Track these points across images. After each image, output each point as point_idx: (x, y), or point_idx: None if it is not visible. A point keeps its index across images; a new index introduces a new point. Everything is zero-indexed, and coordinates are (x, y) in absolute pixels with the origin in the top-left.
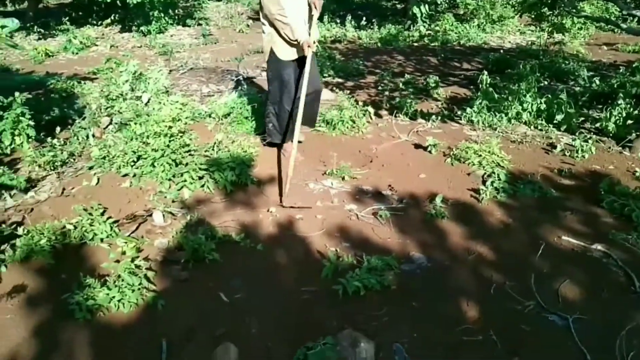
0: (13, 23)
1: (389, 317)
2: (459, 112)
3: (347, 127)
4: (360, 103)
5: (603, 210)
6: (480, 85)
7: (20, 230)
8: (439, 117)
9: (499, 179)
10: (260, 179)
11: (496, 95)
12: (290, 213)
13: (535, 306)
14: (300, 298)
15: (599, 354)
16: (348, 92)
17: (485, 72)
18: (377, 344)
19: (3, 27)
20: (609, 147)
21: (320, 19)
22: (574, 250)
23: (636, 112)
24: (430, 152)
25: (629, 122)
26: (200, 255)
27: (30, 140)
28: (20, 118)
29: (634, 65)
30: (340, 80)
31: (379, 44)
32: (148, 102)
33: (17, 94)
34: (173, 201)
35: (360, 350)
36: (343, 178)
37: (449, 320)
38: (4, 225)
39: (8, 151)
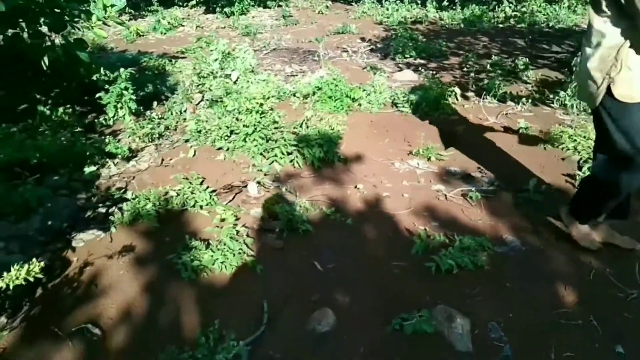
0: (120, 2)
1: (482, 296)
2: (551, 96)
3: (433, 108)
4: (446, 83)
5: None
6: (575, 68)
7: (129, 195)
8: (530, 100)
9: None
10: (346, 156)
11: None
12: (378, 190)
13: (638, 294)
14: (391, 272)
15: None
16: (431, 73)
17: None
18: (472, 321)
19: (112, 5)
20: None
21: None
22: None
23: None
24: (520, 135)
25: None
26: (294, 226)
27: (131, 113)
28: (124, 92)
29: None
30: (422, 61)
31: (461, 25)
32: (237, 80)
33: (122, 69)
34: (265, 174)
35: (456, 325)
36: (429, 158)
37: (545, 303)
38: (111, 190)
39: (111, 122)
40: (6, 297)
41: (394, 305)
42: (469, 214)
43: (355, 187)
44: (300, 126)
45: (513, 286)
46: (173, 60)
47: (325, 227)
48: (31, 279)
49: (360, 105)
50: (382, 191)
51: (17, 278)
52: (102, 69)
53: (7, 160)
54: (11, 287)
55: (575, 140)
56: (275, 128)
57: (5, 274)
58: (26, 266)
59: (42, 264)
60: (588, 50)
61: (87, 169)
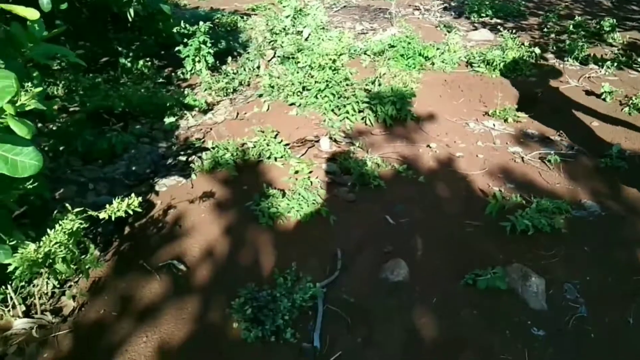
0: None
1: (559, 258)
2: (639, 60)
3: (510, 69)
4: (525, 44)
5: None
6: None
7: (209, 144)
8: (615, 64)
9: None
10: (419, 115)
11: None
12: (451, 150)
13: None
14: (464, 230)
15: None
16: (509, 33)
17: None
18: (547, 281)
19: None
20: None
21: None
22: None
23: None
24: (604, 99)
25: None
26: (366, 180)
27: (208, 67)
28: (202, 46)
29: None
30: (499, 20)
31: None
32: (308, 37)
33: (201, 23)
34: (337, 131)
35: (531, 284)
36: (506, 120)
37: (625, 268)
38: (190, 140)
39: (188, 76)
40: (97, 232)
41: (466, 261)
42: (547, 177)
43: (428, 146)
44: (373, 83)
45: (591, 250)
46: (245, 17)
47: (396, 183)
48: (130, 212)
49: (433, 64)
50: (456, 151)
51: (118, 210)
52: (181, 22)
53: (95, 108)
54: (113, 219)
55: None
56: (347, 85)
57: (107, 206)
58: (126, 200)
59: (139, 199)
60: None
61: (167, 120)
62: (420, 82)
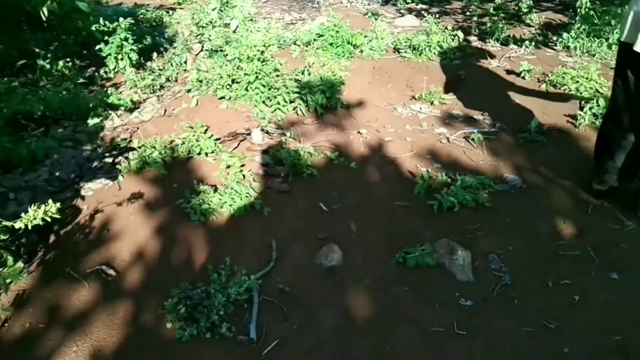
0: None
1: (483, 231)
2: (554, 38)
3: (435, 53)
4: (449, 28)
5: None
6: (579, 10)
7: (136, 143)
8: (533, 43)
9: (598, 105)
10: (349, 102)
11: (597, 20)
12: (380, 135)
13: (635, 226)
14: (394, 211)
15: None
16: (434, 17)
17: None
18: (473, 253)
19: None
20: None
21: None
22: None
23: None
24: (523, 77)
25: None
26: (299, 170)
27: (132, 64)
28: (124, 42)
29: None
30: (424, 6)
31: None
32: (236, 29)
33: (121, 19)
34: (268, 122)
35: (458, 257)
36: (432, 103)
37: (544, 236)
38: (116, 140)
39: (111, 75)
40: (20, 243)
41: (397, 241)
42: (471, 155)
43: (358, 132)
44: (302, 73)
45: (513, 221)
46: (170, 12)
47: (329, 171)
48: (48, 219)
49: (362, 51)
50: (385, 136)
51: (34, 218)
52: (100, 19)
53: (12, 114)
54: (30, 227)
55: (577, 81)
56: (277, 76)
57: (23, 214)
58: (43, 207)
59: (57, 204)
60: None
61: (91, 121)
62: (349, 70)
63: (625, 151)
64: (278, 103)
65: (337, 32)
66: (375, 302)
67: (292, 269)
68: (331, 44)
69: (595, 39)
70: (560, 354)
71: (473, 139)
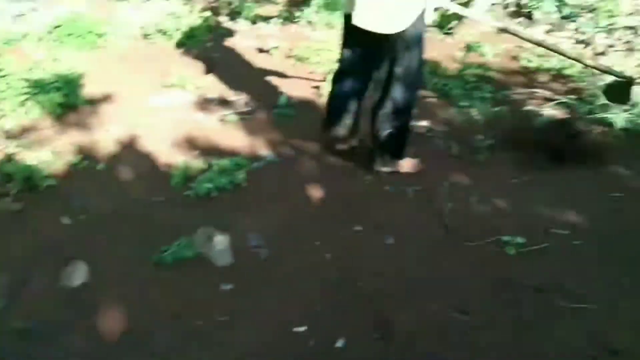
0: None
1: (242, 211)
2: (298, 14)
3: (186, 36)
4: (198, 9)
5: (429, 91)
6: None
7: None
8: (280, 20)
9: None
10: (93, 98)
11: None
12: (132, 130)
13: (372, 181)
14: (152, 209)
15: (429, 214)
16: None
17: None
18: (232, 236)
19: None
20: (434, 36)
21: None
22: None
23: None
24: (271, 54)
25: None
26: (34, 183)
27: None
28: None
29: None
30: None
31: None
32: None
33: None
34: None
35: (216, 242)
36: (186, 88)
37: (297, 204)
38: None
39: None
40: None
41: (155, 241)
42: (227, 138)
43: (107, 129)
44: (30, 70)
45: (269, 196)
46: None
47: (73, 178)
48: None
49: (107, 40)
50: (138, 129)
51: None
52: None
53: None
54: None
55: (319, 54)
56: (1, 77)
57: None
58: None
59: None
60: None
61: None
62: (92, 62)
63: (349, 114)
64: (2, 109)
65: (76, 21)
66: (130, 311)
67: (31, 298)
68: (69, 35)
69: (334, 12)
70: (311, 314)
71: (229, 121)
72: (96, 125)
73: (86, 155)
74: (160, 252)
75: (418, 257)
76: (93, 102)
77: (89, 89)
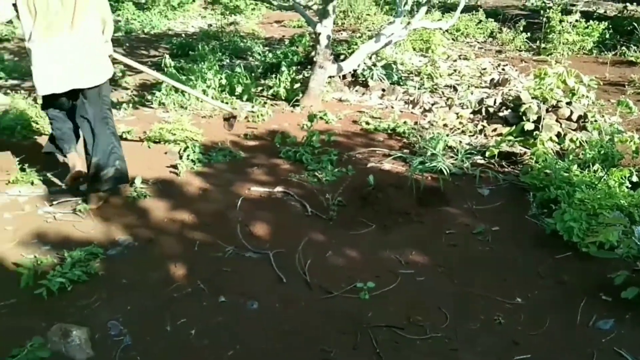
0: None
1: (100, 301)
2: (150, 97)
3: (30, 130)
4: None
5: (282, 159)
6: (165, 69)
7: None
8: (131, 105)
9: (194, 152)
10: None
11: (182, 77)
12: None
13: (234, 250)
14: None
15: (290, 273)
16: (26, 93)
17: (167, 56)
18: (90, 328)
19: None
20: (283, 109)
21: None
22: (262, 196)
23: (300, 76)
24: (125, 139)
25: (295, 85)
26: None
27: None
28: None
29: (294, 37)
30: (15, 82)
31: None
32: None
33: None
34: None
35: (73, 338)
36: (32, 183)
37: (158, 285)
38: None
39: None
40: None
41: (3, 348)
42: (81, 227)
43: None
44: None
45: (128, 282)
46: None
47: None
48: None
49: None
50: None
51: None
52: None
53: None
54: None
55: (174, 133)
56: None
57: None
58: None
59: None
60: None
61: None
62: None
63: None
64: None
65: None
66: None
67: None
68: None
69: (184, 93)
70: None
71: (80, 210)
72: None
73: None
74: (11, 357)
75: (283, 316)
76: None
77: None
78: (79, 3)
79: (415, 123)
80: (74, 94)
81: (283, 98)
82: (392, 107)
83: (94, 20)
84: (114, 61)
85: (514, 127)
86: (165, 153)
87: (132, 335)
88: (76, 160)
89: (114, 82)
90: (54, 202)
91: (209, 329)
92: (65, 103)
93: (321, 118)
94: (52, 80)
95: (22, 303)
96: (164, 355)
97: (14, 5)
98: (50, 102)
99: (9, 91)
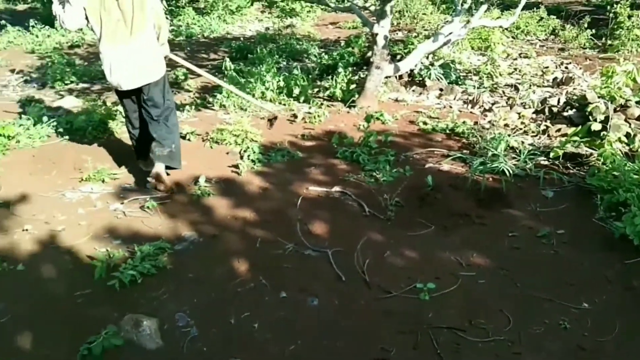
0: None
1: (168, 293)
2: (211, 99)
3: (100, 131)
4: (109, 105)
5: (338, 159)
6: (226, 72)
7: None
8: (194, 107)
9: (254, 152)
10: (7, 199)
11: (242, 79)
12: (51, 226)
13: (294, 247)
14: (75, 303)
15: (349, 272)
16: (95, 95)
17: (228, 60)
18: (159, 319)
19: None
20: (339, 109)
21: (51, 24)
22: (320, 195)
23: (355, 77)
24: (189, 140)
25: (351, 86)
26: None
27: None
28: None
29: (350, 39)
30: (85, 85)
31: None
32: None
33: None
34: None
35: (144, 328)
36: (103, 180)
37: (223, 279)
38: None
39: None
40: None
41: (82, 335)
42: (149, 223)
43: (24, 229)
44: None
45: (195, 275)
46: None
47: None
48: None
49: (19, 142)
50: (56, 226)
51: None
52: None
53: None
54: None
55: (235, 135)
56: None
57: None
58: None
59: None
60: None
61: None
62: (3, 165)
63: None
64: None
65: None
66: None
67: None
68: None
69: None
70: None
71: (148, 207)
72: (13, 226)
73: (4, 257)
74: (86, 344)
75: (342, 313)
76: (8, 204)
77: (4, 192)
78: (137, 16)
79: (475, 123)
80: (138, 91)
81: (339, 99)
82: (451, 107)
83: (149, 30)
84: (175, 64)
85: (579, 128)
86: (227, 153)
87: (198, 326)
88: (159, 170)
89: (176, 84)
90: (125, 200)
91: (271, 323)
92: (133, 99)
93: (377, 118)
94: (119, 79)
95: (97, 293)
96: (229, 347)
97: (86, 16)
98: (121, 99)
99: (80, 94)
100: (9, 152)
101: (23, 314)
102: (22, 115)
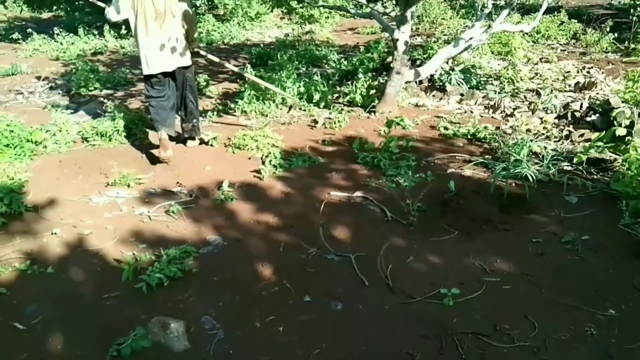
0: None
1: (194, 296)
2: (232, 105)
3: (124, 136)
4: (133, 110)
5: (359, 165)
6: (247, 79)
7: None
8: (215, 113)
9: (275, 157)
10: (36, 204)
11: (262, 86)
12: (78, 230)
13: (317, 252)
14: (104, 305)
15: (372, 277)
16: (119, 101)
17: (249, 66)
18: (186, 322)
19: None
20: (359, 115)
21: (75, 31)
22: (341, 200)
23: (375, 82)
24: (212, 145)
25: (371, 91)
26: None
27: None
28: None
29: (370, 44)
30: (109, 91)
31: None
32: None
33: None
34: None
35: (171, 330)
36: (128, 185)
37: (247, 283)
38: None
39: None
40: None
41: (110, 336)
42: (174, 227)
43: (52, 233)
44: None
45: (220, 278)
46: None
47: (22, 284)
48: None
49: (45, 147)
50: (84, 229)
51: None
52: None
53: None
54: None
55: (256, 140)
56: None
57: None
58: None
59: None
60: None
61: None
62: (31, 170)
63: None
64: None
65: (12, 131)
66: None
67: None
68: (7, 146)
69: (265, 101)
70: None
71: (173, 211)
72: (42, 229)
73: (34, 260)
74: (116, 345)
75: (366, 318)
76: (37, 208)
77: (33, 196)
78: (168, 15)
79: (497, 128)
80: (165, 75)
81: (359, 104)
82: (472, 112)
83: (177, 26)
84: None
85: (603, 133)
86: (249, 158)
87: (224, 329)
88: (163, 139)
89: (198, 91)
90: (150, 206)
91: (296, 326)
92: (161, 80)
93: (398, 124)
94: (152, 65)
95: (124, 296)
96: (255, 350)
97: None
98: (150, 82)
99: (104, 100)
100: (37, 157)
101: (53, 316)
102: (49, 121)
